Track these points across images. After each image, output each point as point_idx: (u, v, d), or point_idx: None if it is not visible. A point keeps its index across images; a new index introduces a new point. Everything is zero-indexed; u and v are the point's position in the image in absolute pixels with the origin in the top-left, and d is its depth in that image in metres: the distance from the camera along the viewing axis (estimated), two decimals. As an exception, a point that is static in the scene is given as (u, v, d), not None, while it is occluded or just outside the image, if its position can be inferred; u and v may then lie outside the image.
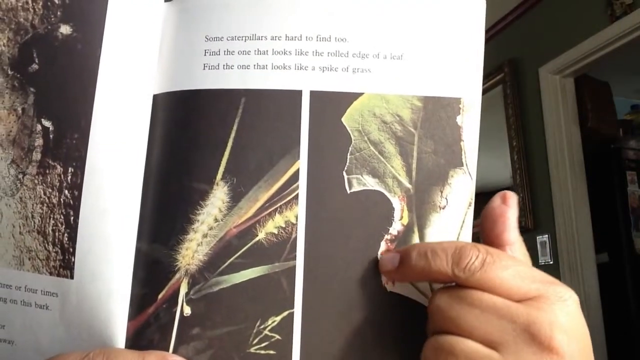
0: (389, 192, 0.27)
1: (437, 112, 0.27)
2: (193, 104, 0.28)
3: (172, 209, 0.27)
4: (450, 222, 0.27)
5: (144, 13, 0.29)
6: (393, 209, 0.27)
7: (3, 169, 0.27)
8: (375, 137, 0.27)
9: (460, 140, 0.28)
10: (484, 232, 0.26)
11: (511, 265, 0.24)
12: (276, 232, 0.26)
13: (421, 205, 0.27)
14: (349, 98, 0.27)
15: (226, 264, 0.26)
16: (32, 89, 0.27)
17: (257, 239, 0.26)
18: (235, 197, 0.27)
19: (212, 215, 0.26)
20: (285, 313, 0.26)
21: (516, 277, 0.23)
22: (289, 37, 0.27)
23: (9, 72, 0.27)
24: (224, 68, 0.27)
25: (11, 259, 0.27)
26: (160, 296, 0.26)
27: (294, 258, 0.26)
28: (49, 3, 0.27)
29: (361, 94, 0.27)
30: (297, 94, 0.27)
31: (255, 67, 0.27)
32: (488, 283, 0.23)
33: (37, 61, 0.27)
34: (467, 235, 0.28)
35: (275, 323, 0.26)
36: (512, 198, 0.26)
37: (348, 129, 0.27)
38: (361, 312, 0.27)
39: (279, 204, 0.27)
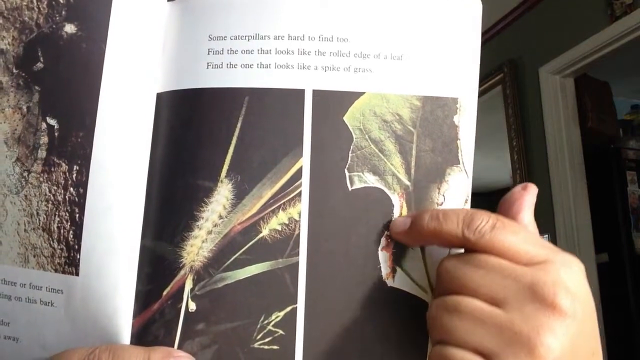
0: (389, 189, 0.28)
1: (435, 111, 0.28)
2: (197, 102, 0.29)
3: (176, 206, 0.28)
4: None
5: (147, 12, 0.30)
6: (393, 205, 0.28)
7: (8, 166, 0.28)
8: (376, 135, 0.28)
9: (457, 139, 0.29)
10: (501, 213, 0.27)
11: (520, 231, 0.25)
12: (279, 229, 0.27)
13: (419, 202, 0.28)
14: (351, 97, 0.28)
15: (230, 260, 0.27)
16: (37, 88, 0.28)
17: (260, 235, 0.27)
18: (240, 195, 0.27)
19: (217, 212, 0.27)
20: (289, 308, 0.27)
21: (524, 242, 0.24)
22: (291, 37, 0.28)
23: (14, 70, 0.28)
24: (227, 67, 0.28)
25: (16, 256, 0.28)
26: (165, 292, 0.27)
27: (297, 254, 0.27)
28: (53, 2, 0.28)
29: (362, 93, 0.28)
30: (300, 92, 0.28)
31: (259, 66, 0.28)
32: (496, 245, 0.24)
33: (42, 60, 0.28)
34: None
35: (279, 318, 0.27)
36: (533, 188, 0.27)
37: (350, 127, 0.28)
38: (362, 307, 0.28)
39: (282, 201, 0.28)
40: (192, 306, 0.27)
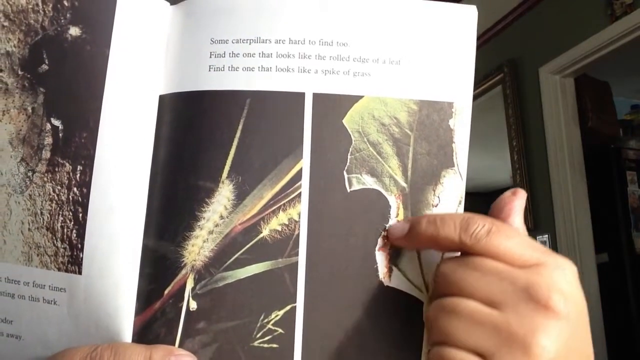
0: (386, 190, 0.29)
1: (431, 115, 0.30)
2: (199, 104, 0.30)
3: (178, 207, 0.29)
4: None
5: (151, 16, 0.30)
6: (390, 206, 0.29)
7: (13, 166, 0.29)
8: (374, 138, 0.29)
9: (452, 142, 0.30)
10: (491, 217, 0.28)
11: (515, 236, 0.26)
12: (280, 229, 0.28)
13: (416, 203, 0.29)
14: (350, 100, 0.29)
15: (231, 259, 0.28)
16: (41, 89, 0.29)
17: (261, 235, 0.28)
18: (241, 195, 0.28)
19: (218, 213, 0.28)
20: (288, 307, 0.28)
21: (519, 246, 0.25)
22: (292, 41, 0.29)
23: (19, 72, 0.29)
24: (229, 70, 0.29)
25: (20, 255, 0.29)
26: (166, 291, 0.28)
27: (297, 254, 0.28)
28: (58, 5, 0.29)
29: (361, 96, 0.29)
30: (301, 95, 0.29)
31: (260, 69, 0.29)
32: (492, 250, 0.25)
33: (47, 62, 0.29)
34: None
35: (279, 317, 0.28)
36: (522, 193, 0.28)
37: (349, 130, 0.29)
38: (360, 306, 0.29)
39: (282, 202, 0.28)
40: (193, 305, 0.28)
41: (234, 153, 0.29)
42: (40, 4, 0.29)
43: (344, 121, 0.29)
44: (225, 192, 0.28)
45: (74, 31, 0.29)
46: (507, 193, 0.28)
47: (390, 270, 0.29)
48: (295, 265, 0.28)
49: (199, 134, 0.29)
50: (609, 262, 1.80)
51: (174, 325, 0.28)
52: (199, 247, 0.28)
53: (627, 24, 1.48)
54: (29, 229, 0.29)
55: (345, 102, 0.29)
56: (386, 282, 0.29)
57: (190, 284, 0.28)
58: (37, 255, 0.29)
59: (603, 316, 1.60)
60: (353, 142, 0.29)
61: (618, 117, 2.01)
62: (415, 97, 0.29)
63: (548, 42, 1.87)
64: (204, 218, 0.28)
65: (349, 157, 0.29)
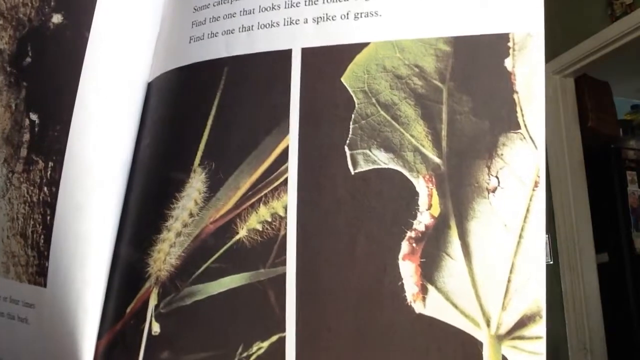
0: (410, 170, 0.21)
1: (475, 56, 0.21)
2: (177, 83, 0.25)
3: (148, 206, 0.24)
4: (506, 211, 0.20)
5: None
6: (417, 194, 0.21)
7: (-2, 169, 0.28)
8: (387, 97, 0.21)
9: (513, 91, 0.20)
10: None
11: None
12: (260, 229, 0.22)
13: (458, 188, 0.20)
14: (351, 51, 0.22)
15: (200, 269, 0.22)
16: (24, 83, 0.28)
17: (237, 237, 0.22)
18: (213, 187, 0.23)
19: (187, 210, 0.23)
20: (274, 338, 0.21)
21: None
22: (277, -11, 0.24)
23: (8, 69, 0.28)
24: (208, 37, 0.25)
25: (0, 266, 0.27)
26: (128, 310, 0.23)
27: (284, 263, 0.21)
28: (44, -5, 0.28)
29: (366, 44, 0.22)
30: (287, 54, 0.23)
31: (241, 29, 0.24)
32: None
33: (30, 54, 0.28)
34: (535, 231, 0.20)
35: (262, 351, 0.21)
36: None
37: (350, 90, 0.22)
38: (377, 342, 0.20)
39: (263, 192, 0.22)
40: (156, 328, 0.22)
41: (208, 134, 0.23)
42: (29, -4, 0.28)
43: (343, 79, 0.22)
44: (196, 184, 0.23)
45: (57, 19, 0.27)
46: None
47: (424, 290, 0.20)
48: (281, 278, 0.21)
49: (174, 117, 0.25)
50: (609, 262, 1.82)
51: (134, 354, 0.22)
52: (165, 253, 0.23)
53: (627, 24, 1.52)
54: (8, 237, 0.27)
55: (344, 54, 0.22)
56: (418, 308, 0.20)
57: (153, 301, 0.23)
58: (13, 265, 0.26)
59: (603, 316, 1.62)
60: (356, 105, 0.22)
61: (618, 117, 2.03)
62: (446, 33, 0.21)
63: (548, 42, 1.65)
64: (172, 217, 0.23)
65: (351, 126, 0.22)
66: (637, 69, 2.19)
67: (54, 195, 0.25)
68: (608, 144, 1.94)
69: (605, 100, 1.90)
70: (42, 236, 0.25)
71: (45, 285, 0.25)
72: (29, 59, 0.28)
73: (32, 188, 0.26)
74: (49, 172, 0.26)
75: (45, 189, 0.26)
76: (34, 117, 0.27)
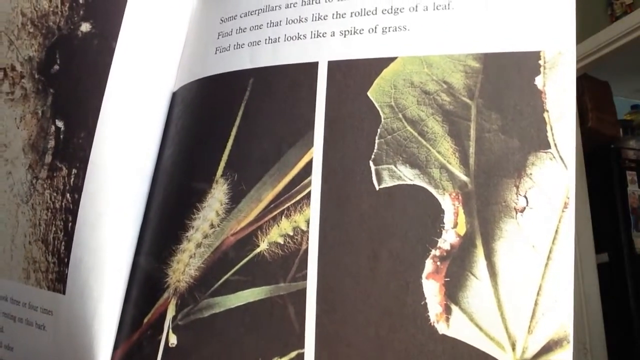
0: (436, 187, 0.21)
1: (505, 73, 0.21)
2: (202, 93, 0.26)
3: (169, 216, 0.24)
4: (534, 232, 0.20)
5: (168, 7, 0.28)
6: (443, 211, 0.20)
7: (22, 175, 0.28)
8: (414, 113, 0.21)
9: (544, 110, 0.20)
10: None
11: None
12: (282, 242, 0.22)
13: (486, 207, 0.20)
14: (378, 66, 0.22)
15: (220, 282, 0.22)
16: (51, 90, 0.28)
17: (257, 250, 0.22)
18: (235, 198, 0.23)
19: (208, 221, 0.23)
20: (293, 354, 0.21)
21: None
22: (305, 2, 0.24)
23: (36, 76, 0.29)
24: (234, 48, 0.25)
25: (21, 272, 0.27)
26: (146, 320, 0.23)
27: (304, 277, 0.21)
28: (74, 3, 0.29)
29: (394, 58, 0.22)
30: (313, 67, 0.23)
31: (267, 41, 0.24)
32: None
33: (58, 62, 0.28)
34: (564, 253, 0.19)
35: (280, 367, 0.21)
36: None
37: (376, 105, 0.22)
38: None
39: (286, 205, 0.22)
40: (173, 340, 0.22)
41: (231, 145, 0.24)
42: (59, 4, 0.29)
43: (370, 93, 0.22)
44: (218, 195, 0.23)
45: (85, 27, 0.28)
46: None
47: (447, 311, 0.20)
48: (302, 294, 0.21)
49: (199, 127, 0.25)
50: (609, 262, 1.83)
51: None
52: (184, 264, 0.23)
53: (627, 24, 1.53)
54: (30, 242, 0.27)
55: (371, 68, 0.22)
56: (442, 328, 0.20)
57: (171, 312, 0.23)
58: (34, 271, 0.27)
59: (603, 316, 1.61)
60: (383, 120, 0.22)
61: (618, 117, 2.03)
62: (475, 50, 0.21)
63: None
64: (192, 227, 0.23)
65: (376, 141, 0.22)
66: (637, 69, 2.18)
67: (76, 202, 0.26)
68: (608, 144, 1.95)
69: (605, 100, 1.90)
70: (63, 243, 0.26)
71: (64, 292, 0.25)
72: (56, 67, 0.28)
73: (55, 194, 0.27)
74: (72, 179, 0.26)
75: (68, 195, 0.26)
76: (59, 123, 0.27)
